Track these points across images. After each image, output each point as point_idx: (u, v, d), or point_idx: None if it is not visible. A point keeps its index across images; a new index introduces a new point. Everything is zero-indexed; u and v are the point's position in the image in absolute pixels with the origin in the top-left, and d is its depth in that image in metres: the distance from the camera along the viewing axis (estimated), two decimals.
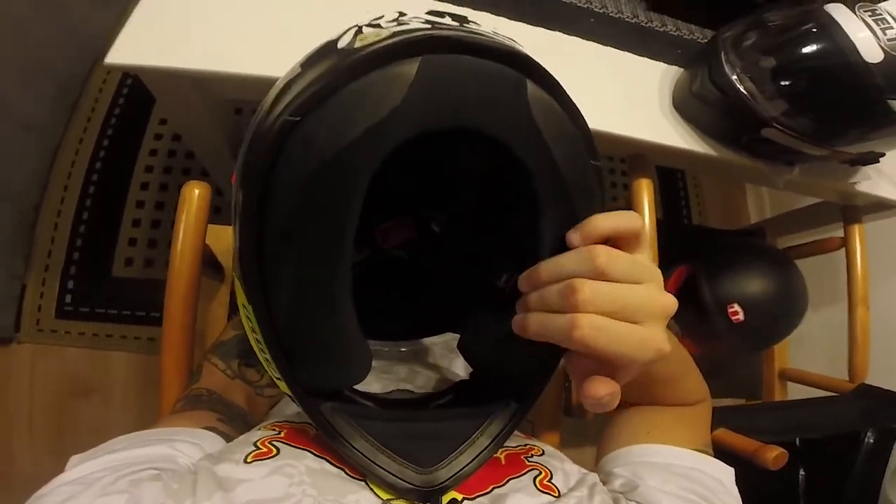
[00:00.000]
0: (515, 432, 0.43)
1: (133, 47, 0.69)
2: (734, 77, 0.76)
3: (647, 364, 0.33)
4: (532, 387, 0.42)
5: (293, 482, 0.35)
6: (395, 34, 0.32)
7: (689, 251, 1.18)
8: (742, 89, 0.76)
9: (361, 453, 0.37)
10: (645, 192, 0.90)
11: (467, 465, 0.38)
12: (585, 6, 0.88)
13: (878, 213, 1.10)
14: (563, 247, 0.36)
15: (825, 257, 1.17)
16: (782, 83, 0.74)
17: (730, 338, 1.09)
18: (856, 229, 1.09)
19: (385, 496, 0.36)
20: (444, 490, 0.37)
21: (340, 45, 0.34)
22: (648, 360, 0.33)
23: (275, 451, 0.38)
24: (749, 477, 1.05)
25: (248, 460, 0.37)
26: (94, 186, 1.44)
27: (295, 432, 0.41)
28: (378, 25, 0.34)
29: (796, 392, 1.25)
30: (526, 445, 0.45)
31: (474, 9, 0.81)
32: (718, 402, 1.15)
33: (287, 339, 0.36)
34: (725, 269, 1.11)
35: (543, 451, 0.45)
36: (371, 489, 0.37)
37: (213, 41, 0.71)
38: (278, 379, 0.39)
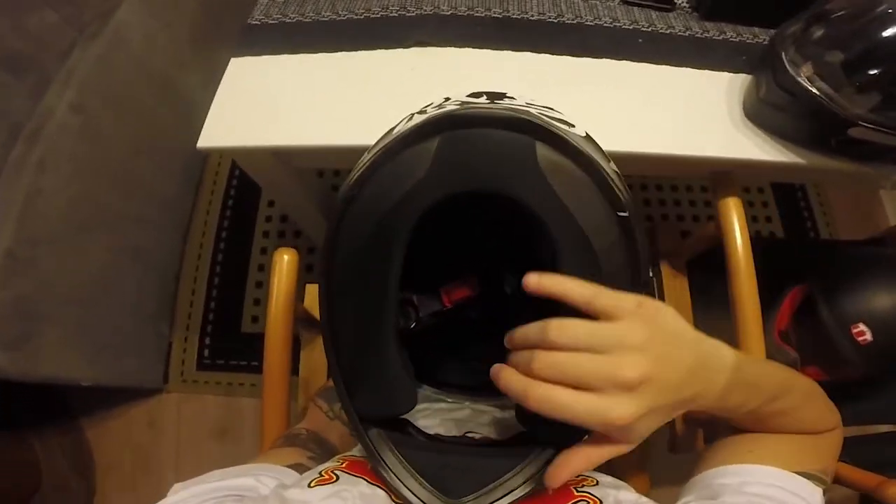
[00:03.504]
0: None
1: (217, 131, 0.79)
2: (801, 78, 0.70)
3: (613, 434, 0.36)
4: (573, 435, 0.42)
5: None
6: (418, 121, 0.39)
7: (808, 269, 1.06)
8: (813, 89, 0.69)
9: (394, 474, 0.41)
10: (734, 212, 0.83)
11: (495, 501, 0.39)
12: (632, 27, 0.86)
13: None
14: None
15: None
16: (858, 77, 0.66)
17: (858, 361, 0.95)
18: None
19: None
20: None
21: (395, 131, 0.41)
22: (602, 428, 0.35)
23: (335, 478, 0.43)
24: None
25: (312, 485, 0.42)
26: (221, 255, 1.66)
27: (354, 463, 0.46)
28: (424, 112, 0.41)
29: None
30: (579, 477, 0.45)
31: (515, 50, 0.83)
32: (864, 430, 1.02)
33: (346, 372, 0.44)
34: (845, 284, 0.98)
35: (598, 481, 0.44)
36: None
37: (283, 118, 0.80)
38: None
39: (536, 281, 0.37)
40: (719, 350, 0.39)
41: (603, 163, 0.39)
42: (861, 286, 0.97)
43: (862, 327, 0.93)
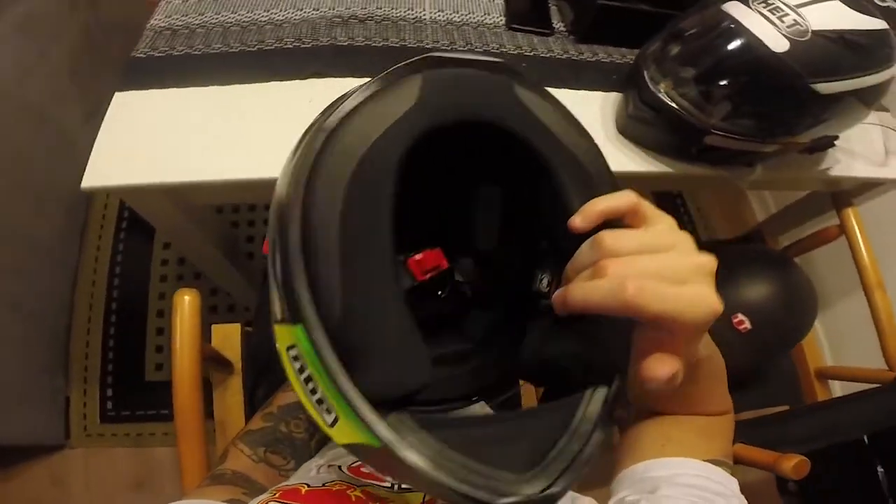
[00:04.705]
0: None
1: (102, 169, 0.75)
2: (661, 93, 0.77)
3: (704, 325, 0.32)
4: (618, 363, 0.37)
5: None
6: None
7: None
8: (671, 103, 0.77)
9: (440, 468, 0.30)
10: None
11: (572, 461, 0.32)
12: (516, 52, 0.92)
13: (872, 193, 1.07)
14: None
15: (843, 246, 1.12)
16: (708, 89, 0.74)
17: (742, 349, 1.05)
18: (850, 213, 1.05)
19: None
20: (555, 498, 0.31)
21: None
22: (704, 317, 0.31)
23: None
24: (826, 486, 1.00)
25: None
26: (115, 302, 1.57)
27: (287, 492, 0.44)
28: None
29: (848, 390, 1.18)
30: None
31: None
32: (758, 413, 1.10)
33: (342, 346, 0.33)
34: (722, 279, 1.07)
35: None
36: None
37: (173, 154, 0.77)
38: (333, 424, 0.34)
39: (587, 211, 0.35)
40: None
41: None
42: (735, 280, 1.07)
43: (741, 317, 1.02)
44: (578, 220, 0.35)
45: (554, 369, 0.42)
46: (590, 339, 0.38)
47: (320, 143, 0.35)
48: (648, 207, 0.35)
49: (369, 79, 0.38)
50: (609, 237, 0.32)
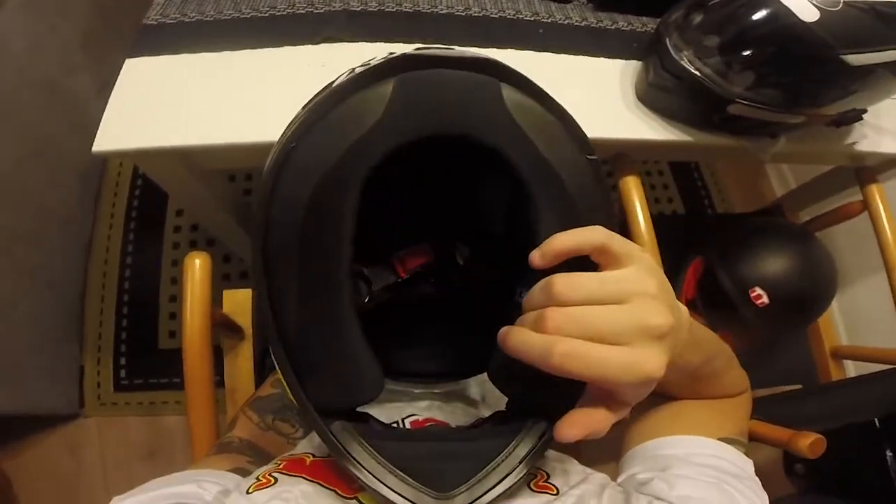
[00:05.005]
0: None
1: (113, 133, 0.74)
2: (684, 61, 0.75)
3: (638, 387, 0.31)
4: (564, 404, 0.38)
5: None
6: (371, 64, 0.35)
7: (707, 241, 1.14)
8: (695, 71, 0.75)
9: (368, 472, 0.34)
10: (633, 190, 0.89)
11: (491, 488, 0.34)
12: (533, 19, 0.90)
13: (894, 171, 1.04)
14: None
15: (865, 224, 1.09)
16: (733, 58, 0.72)
17: (759, 324, 1.04)
18: (874, 190, 1.02)
19: None
20: None
21: (335, 83, 0.37)
22: (635, 382, 0.30)
23: (273, 480, 0.40)
24: (833, 467, 1.00)
25: (250, 491, 0.39)
26: (129, 269, 1.57)
27: (292, 463, 0.43)
28: (368, 64, 0.36)
29: (865, 370, 1.17)
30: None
31: (425, 43, 0.85)
32: (771, 391, 1.09)
33: (297, 356, 0.37)
34: (740, 252, 1.06)
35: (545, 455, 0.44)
36: None
37: (186, 118, 0.76)
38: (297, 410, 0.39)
39: (546, 249, 0.33)
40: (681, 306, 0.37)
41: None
42: (754, 253, 1.05)
43: (759, 290, 1.01)
44: (537, 258, 0.33)
45: (516, 387, 0.42)
46: (542, 375, 0.38)
47: (284, 155, 0.34)
48: (621, 246, 0.32)
49: (354, 68, 0.37)
50: (560, 283, 0.31)
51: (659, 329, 0.30)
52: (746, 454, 0.46)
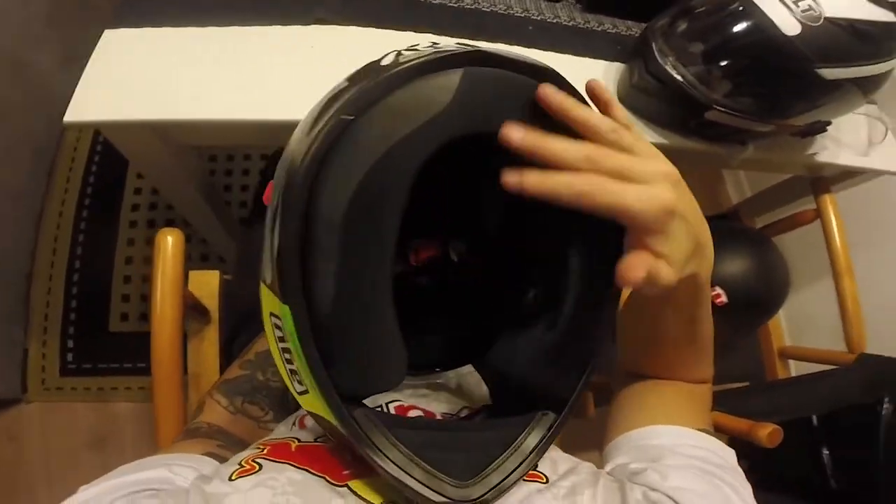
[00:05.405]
0: None
1: (88, 104, 0.71)
2: (668, 66, 0.78)
3: (657, 223, 0.33)
4: (568, 395, 0.41)
5: (276, 493, 0.36)
6: (434, 52, 0.35)
7: None
8: (677, 76, 0.78)
9: (396, 464, 0.35)
10: None
11: (506, 477, 0.36)
12: (523, 15, 0.91)
13: (849, 182, 1.11)
14: (592, 256, 0.38)
15: (813, 233, 1.16)
16: (714, 66, 0.75)
17: (719, 322, 1.08)
18: (826, 199, 1.09)
19: (376, 501, 0.37)
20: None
21: (384, 63, 0.36)
22: (654, 213, 0.33)
23: (257, 467, 0.39)
24: (774, 464, 1.05)
25: (233, 478, 0.38)
26: (81, 248, 1.49)
27: (276, 448, 0.42)
28: (416, 49, 0.37)
29: (805, 370, 1.24)
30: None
31: (416, 31, 0.84)
32: (719, 388, 1.15)
33: (325, 339, 0.35)
34: None
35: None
36: (355, 494, 0.37)
37: (163, 91, 0.74)
38: (302, 394, 0.38)
39: (545, 92, 0.35)
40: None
41: None
42: (715, 254, 1.10)
43: (718, 290, 1.05)
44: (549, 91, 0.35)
45: (512, 384, 0.44)
46: (553, 364, 0.40)
47: (341, 126, 0.33)
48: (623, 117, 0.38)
49: (418, 48, 0.36)
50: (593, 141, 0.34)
51: (674, 174, 0.35)
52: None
